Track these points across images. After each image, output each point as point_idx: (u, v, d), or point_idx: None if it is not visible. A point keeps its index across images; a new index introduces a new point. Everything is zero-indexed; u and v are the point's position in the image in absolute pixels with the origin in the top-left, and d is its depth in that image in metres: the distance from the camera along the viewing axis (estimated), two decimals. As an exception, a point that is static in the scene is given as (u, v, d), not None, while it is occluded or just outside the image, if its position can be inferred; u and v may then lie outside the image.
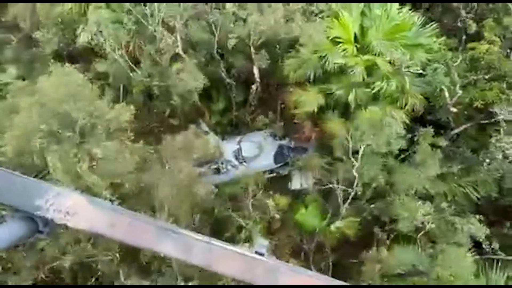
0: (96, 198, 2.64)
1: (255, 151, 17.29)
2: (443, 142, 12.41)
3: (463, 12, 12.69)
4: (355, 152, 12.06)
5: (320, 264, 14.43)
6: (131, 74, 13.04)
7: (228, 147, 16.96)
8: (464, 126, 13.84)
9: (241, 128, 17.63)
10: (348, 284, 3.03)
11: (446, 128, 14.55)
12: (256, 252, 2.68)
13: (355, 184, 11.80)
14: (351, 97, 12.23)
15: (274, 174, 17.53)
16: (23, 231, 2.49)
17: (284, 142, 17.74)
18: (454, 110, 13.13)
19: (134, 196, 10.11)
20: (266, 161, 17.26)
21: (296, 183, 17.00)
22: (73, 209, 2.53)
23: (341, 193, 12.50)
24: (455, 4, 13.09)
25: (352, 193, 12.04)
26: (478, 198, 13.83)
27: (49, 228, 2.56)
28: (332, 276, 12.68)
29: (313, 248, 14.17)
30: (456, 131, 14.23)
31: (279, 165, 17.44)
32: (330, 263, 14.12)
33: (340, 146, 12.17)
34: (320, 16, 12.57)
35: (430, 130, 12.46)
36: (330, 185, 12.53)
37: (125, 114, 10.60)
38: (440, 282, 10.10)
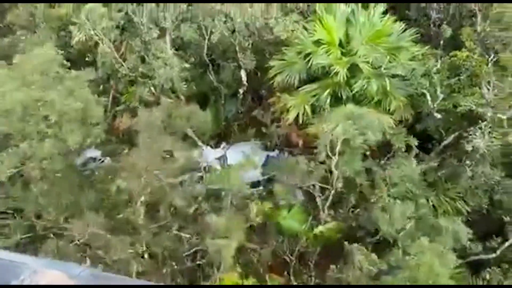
0: (77, 269, 2.59)
1: (241, 161, 18.53)
2: (414, 141, 13.67)
3: (433, 14, 14.64)
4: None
5: (302, 278, 15.05)
6: (118, 68, 14.82)
7: (213, 154, 18.26)
8: (452, 137, 15.11)
9: (229, 137, 19.05)
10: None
11: (434, 139, 15.90)
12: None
13: (334, 180, 12.90)
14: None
15: (262, 188, 18.58)
16: None
17: (272, 153, 19.04)
18: (439, 116, 14.54)
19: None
20: (253, 172, 18.38)
21: (286, 198, 17.97)
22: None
23: (322, 196, 13.57)
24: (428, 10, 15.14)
25: (333, 191, 13.08)
26: (468, 212, 14.77)
27: None
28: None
29: (295, 259, 14.84)
30: (444, 143, 15.51)
31: (266, 177, 18.56)
32: (313, 277, 14.76)
33: (323, 147, 13.43)
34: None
35: (402, 129, 13.82)
36: (310, 187, 13.61)
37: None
38: (417, 279, 10.82)
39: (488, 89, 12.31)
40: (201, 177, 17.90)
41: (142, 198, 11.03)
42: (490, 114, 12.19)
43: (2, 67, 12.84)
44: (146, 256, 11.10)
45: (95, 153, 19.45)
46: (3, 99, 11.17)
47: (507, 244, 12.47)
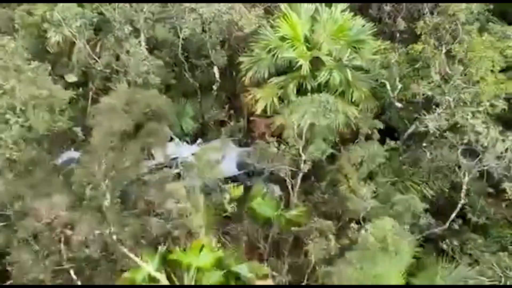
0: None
1: (217, 156, 19.45)
2: (380, 124, 14.80)
3: (387, 8, 16.02)
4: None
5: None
6: (93, 65, 15.73)
7: (189, 150, 19.16)
8: (414, 125, 16.26)
9: (206, 133, 19.99)
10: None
11: (399, 128, 17.07)
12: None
13: (302, 164, 13.90)
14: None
15: (240, 183, 19.48)
16: None
17: (247, 148, 20.02)
18: (400, 105, 15.73)
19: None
20: (229, 167, 19.31)
21: (262, 193, 18.88)
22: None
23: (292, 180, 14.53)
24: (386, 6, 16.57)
25: (301, 174, 14.07)
26: (432, 195, 15.87)
27: None
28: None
29: (268, 246, 15.65)
30: (408, 131, 16.67)
31: (242, 172, 19.51)
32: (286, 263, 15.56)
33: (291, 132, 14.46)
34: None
35: (368, 114, 14.94)
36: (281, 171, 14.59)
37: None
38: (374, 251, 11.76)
39: (436, 73, 13.52)
40: (179, 174, 18.85)
41: (106, 183, 11.72)
42: (439, 97, 13.38)
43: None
44: (114, 237, 11.77)
45: (74, 154, 20.27)
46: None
47: (452, 215, 13.52)
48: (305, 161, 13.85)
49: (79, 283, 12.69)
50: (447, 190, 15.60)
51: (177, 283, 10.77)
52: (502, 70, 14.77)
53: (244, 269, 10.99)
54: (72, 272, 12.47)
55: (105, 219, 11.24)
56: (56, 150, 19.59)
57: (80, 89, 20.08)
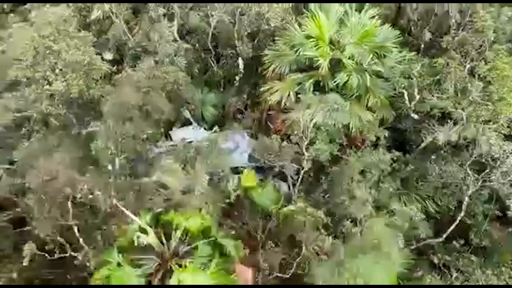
0: None
1: (231, 145, 19.96)
2: (383, 132, 14.78)
3: (414, 17, 15.95)
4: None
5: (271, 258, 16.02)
6: (126, 41, 16.61)
7: (205, 136, 19.73)
8: (428, 140, 16.09)
9: (223, 122, 20.52)
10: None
11: (412, 141, 16.93)
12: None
13: (304, 161, 14.10)
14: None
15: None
16: None
17: (261, 142, 20.36)
18: (416, 116, 15.62)
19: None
20: (241, 157, 19.78)
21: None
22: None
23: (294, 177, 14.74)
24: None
25: (302, 171, 14.26)
26: (437, 212, 15.65)
27: None
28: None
29: (265, 237, 15.89)
30: (422, 145, 16.50)
31: (253, 164, 19.90)
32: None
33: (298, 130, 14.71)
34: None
35: (375, 122, 14.97)
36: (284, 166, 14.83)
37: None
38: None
39: (451, 86, 13.40)
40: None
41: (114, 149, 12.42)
42: (453, 110, 13.26)
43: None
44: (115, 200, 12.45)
45: (100, 126, 21.32)
46: (15, 49, 13.07)
47: (451, 228, 13.33)
48: (307, 160, 14.02)
49: (81, 240, 13.49)
50: (453, 209, 15.37)
51: (164, 241, 11.31)
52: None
53: (229, 243, 11.37)
54: (76, 229, 13.29)
55: (109, 182, 11.90)
56: (84, 119, 20.80)
57: (115, 67, 21.27)
